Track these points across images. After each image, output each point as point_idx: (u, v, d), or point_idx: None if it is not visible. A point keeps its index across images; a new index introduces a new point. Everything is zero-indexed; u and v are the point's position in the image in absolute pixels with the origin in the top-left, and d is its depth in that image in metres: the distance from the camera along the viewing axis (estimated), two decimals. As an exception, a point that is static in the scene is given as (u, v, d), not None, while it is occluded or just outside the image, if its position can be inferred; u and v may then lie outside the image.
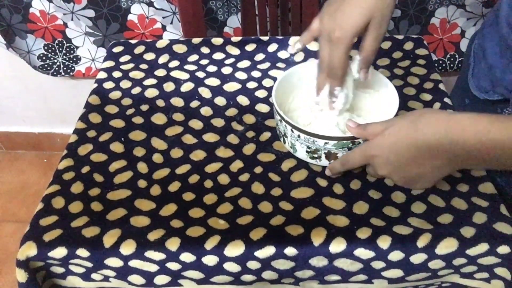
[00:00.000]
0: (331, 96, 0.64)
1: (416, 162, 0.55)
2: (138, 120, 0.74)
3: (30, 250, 0.57)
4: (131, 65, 0.84)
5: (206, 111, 0.75)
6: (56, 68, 1.36)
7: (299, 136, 0.61)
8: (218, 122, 0.73)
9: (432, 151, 0.53)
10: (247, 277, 0.59)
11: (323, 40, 0.60)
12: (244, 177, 0.65)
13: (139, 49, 0.88)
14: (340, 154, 0.61)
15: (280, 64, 0.84)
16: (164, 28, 1.24)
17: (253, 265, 0.57)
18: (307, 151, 0.63)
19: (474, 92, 0.73)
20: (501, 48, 0.67)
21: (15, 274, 0.58)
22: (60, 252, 0.56)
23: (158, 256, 0.56)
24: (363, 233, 0.57)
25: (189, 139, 0.70)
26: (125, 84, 0.80)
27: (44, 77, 1.41)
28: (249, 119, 0.73)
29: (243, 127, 0.72)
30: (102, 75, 0.83)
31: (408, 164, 0.55)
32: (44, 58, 1.35)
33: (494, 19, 0.70)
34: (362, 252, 0.56)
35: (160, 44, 0.88)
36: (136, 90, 0.79)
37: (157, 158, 0.68)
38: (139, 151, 0.69)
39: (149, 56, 0.86)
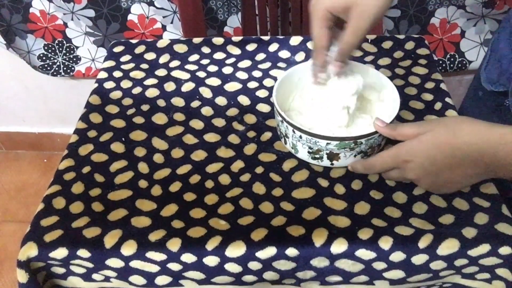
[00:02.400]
0: (316, 69, 0.64)
1: (451, 168, 0.55)
2: (138, 120, 0.74)
3: (31, 250, 0.56)
4: (131, 65, 0.84)
5: (207, 111, 0.75)
6: (56, 68, 1.36)
7: (300, 136, 0.61)
8: (219, 122, 0.73)
9: (470, 160, 0.53)
10: (248, 278, 0.59)
11: None
12: (245, 177, 0.64)
13: (139, 49, 0.87)
14: (342, 154, 0.61)
15: (281, 64, 0.83)
16: (164, 28, 1.24)
17: (254, 265, 0.57)
18: (309, 152, 0.63)
19: (483, 84, 0.74)
20: (511, 40, 0.68)
21: (15, 274, 0.58)
22: (61, 252, 0.56)
23: (159, 256, 0.56)
24: (365, 234, 0.57)
25: (190, 139, 0.70)
26: (126, 84, 0.80)
27: (44, 77, 1.41)
28: (250, 119, 0.73)
29: (244, 127, 0.72)
30: (103, 75, 0.82)
31: (441, 170, 0.55)
32: (44, 58, 1.35)
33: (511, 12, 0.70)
34: (364, 253, 0.56)
35: (161, 43, 0.88)
36: (137, 90, 0.79)
37: (158, 158, 0.67)
38: (140, 151, 0.68)
39: (150, 56, 0.86)
